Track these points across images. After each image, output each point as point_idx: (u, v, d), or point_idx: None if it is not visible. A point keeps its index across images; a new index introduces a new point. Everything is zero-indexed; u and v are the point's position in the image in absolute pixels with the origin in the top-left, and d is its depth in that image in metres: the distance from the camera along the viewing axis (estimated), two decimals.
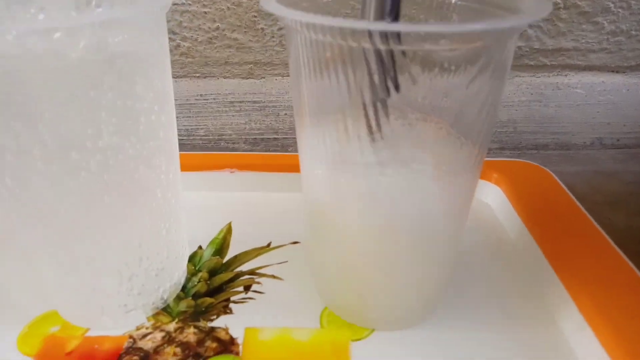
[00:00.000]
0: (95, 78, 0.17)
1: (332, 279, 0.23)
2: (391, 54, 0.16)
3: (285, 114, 0.43)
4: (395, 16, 0.17)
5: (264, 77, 0.42)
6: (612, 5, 0.38)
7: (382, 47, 0.15)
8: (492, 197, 0.33)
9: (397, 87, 0.17)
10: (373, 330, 0.23)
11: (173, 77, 0.42)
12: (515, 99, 0.42)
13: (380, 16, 0.17)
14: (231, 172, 0.34)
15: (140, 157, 0.19)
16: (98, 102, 0.17)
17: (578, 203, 0.29)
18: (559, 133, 0.43)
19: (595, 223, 0.27)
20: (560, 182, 0.32)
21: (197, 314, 0.24)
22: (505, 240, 0.30)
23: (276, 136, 0.43)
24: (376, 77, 0.17)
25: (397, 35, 0.15)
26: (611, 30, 0.39)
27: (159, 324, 0.24)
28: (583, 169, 0.40)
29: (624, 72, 0.41)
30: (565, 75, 0.42)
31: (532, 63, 0.41)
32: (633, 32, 0.39)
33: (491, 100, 0.18)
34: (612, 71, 0.42)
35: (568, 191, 0.31)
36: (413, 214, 0.19)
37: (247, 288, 0.26)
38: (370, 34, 0.15)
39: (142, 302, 0.23)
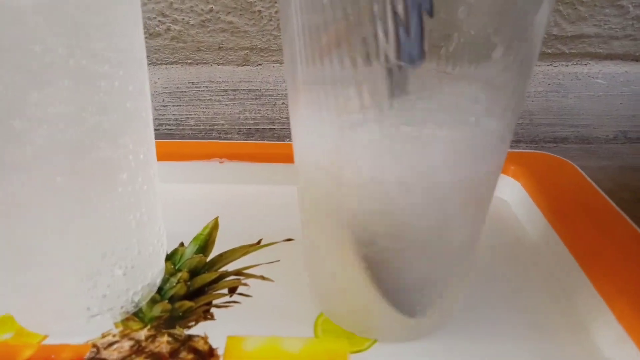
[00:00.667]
0: (41, 28, 0.14)
1: (330, 281, 0.21)
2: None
3: (283, 104, 0.40)
4: None
5: (260, 64, 0.39)
6: None
7: None
8: (509, 192, 0.30)
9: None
10: (375, 341, 0.20)
11: (163, 64, 0.40)
12: (531, 89, 0.39)
13: None
14: (220, 162, 0.32)
15: (101, 132, 0.16)
16: (44, 59, 0.14)
17: (608, 198, 0.26)
18: (579, 126, 0.40)
19: (629, 220, 0.24)
20: (586, 176, 0.29)
21: (173, 320, 0.21)
22: (526, 240, 0.27)
23: (272, 127, 0.41)
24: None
25: None
26: (637, 15, 0.36)
27: (128, 331, 0.20)
28: (607, 164, 0.37)
29: None
30: (585, 65, 0.39)
31: (549, 51, 0.38)
32: None
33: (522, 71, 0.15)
34: (636, 60, 0.39)
35: (595, 185, 0.28)
36: (426, 201, 0.16)
37: (232, 290, 0.23)
38: None
39: (108, 305, 0.20)
